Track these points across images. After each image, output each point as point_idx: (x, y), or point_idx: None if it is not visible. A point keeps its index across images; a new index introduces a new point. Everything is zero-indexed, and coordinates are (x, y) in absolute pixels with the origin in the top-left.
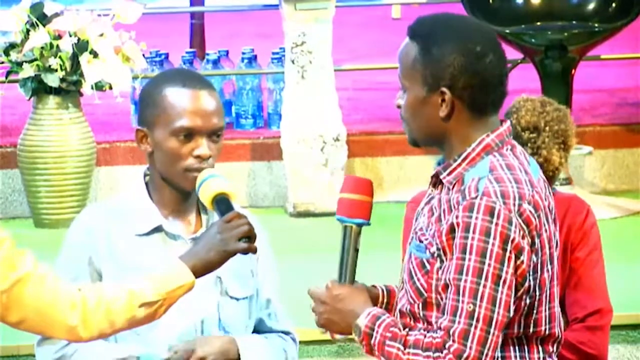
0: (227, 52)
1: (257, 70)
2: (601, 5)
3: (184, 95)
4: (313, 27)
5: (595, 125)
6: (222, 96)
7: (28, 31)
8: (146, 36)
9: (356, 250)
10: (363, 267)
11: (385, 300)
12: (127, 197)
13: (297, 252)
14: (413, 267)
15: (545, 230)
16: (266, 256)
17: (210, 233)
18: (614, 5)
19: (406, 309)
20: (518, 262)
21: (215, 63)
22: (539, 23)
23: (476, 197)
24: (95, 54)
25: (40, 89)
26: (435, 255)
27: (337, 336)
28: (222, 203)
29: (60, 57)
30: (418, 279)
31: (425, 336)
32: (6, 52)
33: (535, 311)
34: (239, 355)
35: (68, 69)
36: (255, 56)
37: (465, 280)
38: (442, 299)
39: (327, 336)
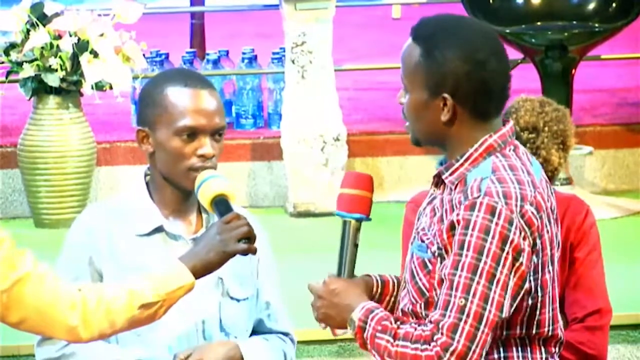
0: (227, 52)
1: (257, 70)
2: (601, 5)
3: (187, 95)
4: (313, 27)
5: (596, 125)
6: (222, 96)
7: (28, 31)
8: (146, 36)
9: (355, 246)
10: (363, 267)
11: (379, 290)
12: (127, 197)
13: (297, 252)
14: (415, 267)
15: (547, 232)
16: (266, 257)
17: (210, 234)
18: (614, 5)
19: (408, 308)
20: (517, 264)
21: (216, 63)
22: (539, 23)
23: (478, 197)
24: (95, 54)
25: (40, 89)
26: (436, 254)
27: (338, 331)
28: (222, 204)
29: (60, 57)
30: (420, 279)
31: (415, 329)
32: (6, 52)
33: (538, 312)
34: None
35: (68, 69)
36: (256, 56)
37: (460, 276)
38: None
39: (328, 335)
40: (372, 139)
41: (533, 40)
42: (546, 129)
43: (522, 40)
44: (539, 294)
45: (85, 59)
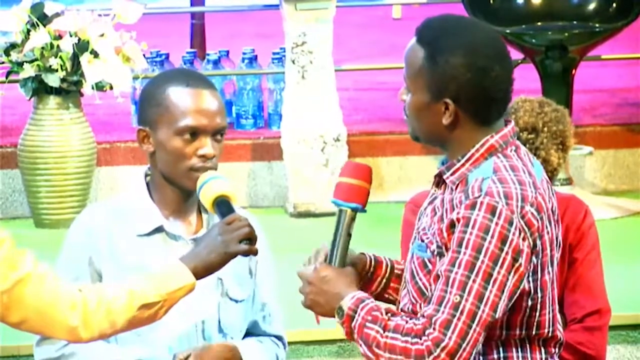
0: (228, 52)
1: (257, 71)
2: (601, 5)
3: (188, 95)
4: (313, 27)
5: (596, 126)
6: (222, 96)
7: (28, 31)
8: (147, 36)
9: (349, 235)
10: None
11: (371, 270)
12: (127, 197)
13: (297, 252)
14: (415, 267)
15: (548, 232)
16: (265, 259)
17: (211, 235)
18: (614, 5)
19: (408, 308)
20: (516, 265)
21: (216, 63)
22: (539, 23)
23: (479, 196)
24: (95, 54)
25: (40, 89)
26: (436, 253)
27: (321, 319)
28: (223, 205)
29: (60, 57)
30: (420, 279)
31: (407, 322)
32: (7, 52)
33: (538, 313)
34: None
35: (69, 69)
36: (256, 56)
37: (456, 273)
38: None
39: (328, 336)
40: (372, 139)
41: (533, 40)
42: (545, 129)
43: (522, 40)
44: (539, 294)
45: (85, 59)
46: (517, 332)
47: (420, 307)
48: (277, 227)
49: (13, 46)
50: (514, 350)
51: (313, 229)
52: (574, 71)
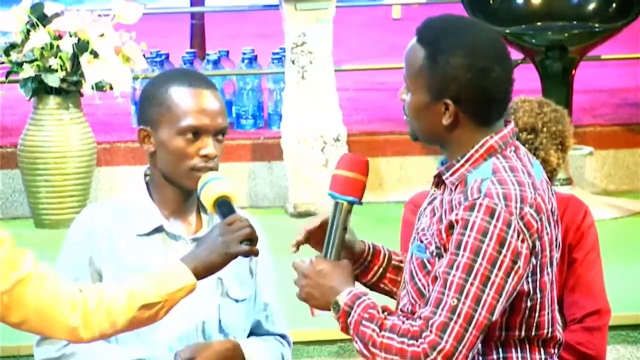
0: (228, 52)
1: (257, 71)
2: (601, 5)
3: (190, 95)
4: (313, 27)
5: (596, 126)
6: (222, 96)
7: (28, 31)
8: (146, 36)
9: (344, 229)
10: None
11: (369, 258)
12: (127, 197)
13: (297, 253)
14: (414, 268)
15: (547, 233)
16: (265, 259)
17: (212, 235)
18: (614, 5)
19: (407, 309)
20: (515, 267)
21: (216, 63)
22: (539, 23)
23: (478, 198)
24: (95, 54)
25: (40, 89)
26: (434, 254)
27: (317, 312)
28: (224, 205)
29: (60, 57)
30: (419, 280)
31: (403, 322)
32: (6, 53)
33: (537, 314)
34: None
35: (68, 69)
36: (256, 56)
37: (454, 275)
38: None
39: (328, 336)
40: (372, 139)
41: (533, 40)
42: (545, 129)
43: (522, 40)
44: (538, 295)
45: (85, 59)
46: (517, 332)
47: (420, 307)
48: (277, 227)
49: (13, 46)
50: (513, 350)
51: None
52: (573, 71)
